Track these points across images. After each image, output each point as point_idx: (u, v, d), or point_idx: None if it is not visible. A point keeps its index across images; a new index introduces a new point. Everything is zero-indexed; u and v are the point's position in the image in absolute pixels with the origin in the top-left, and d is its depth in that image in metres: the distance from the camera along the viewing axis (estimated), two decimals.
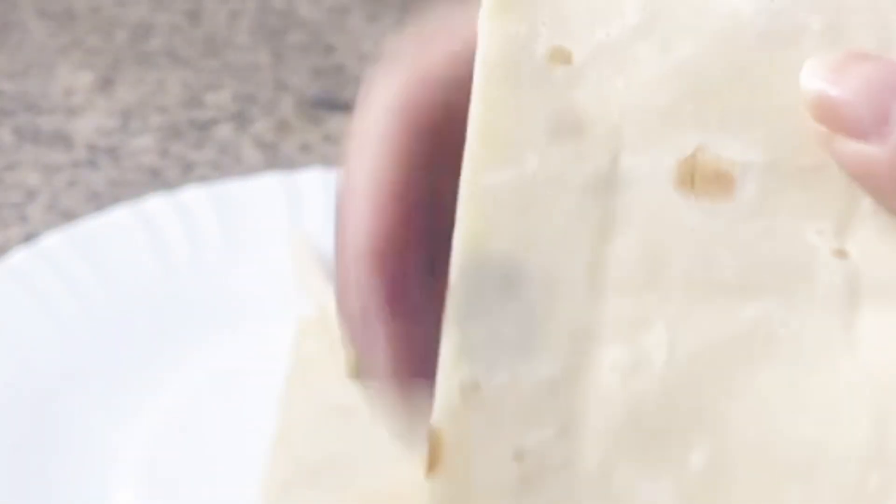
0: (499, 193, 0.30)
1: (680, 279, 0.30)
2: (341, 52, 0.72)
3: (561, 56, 0.30)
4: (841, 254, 0.30)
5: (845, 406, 0.29)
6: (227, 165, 0.64)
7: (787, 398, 0.29)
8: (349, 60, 0.71)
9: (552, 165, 0.30)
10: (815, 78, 0.29)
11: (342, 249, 0.33)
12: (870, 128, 0.28)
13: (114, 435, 0.50)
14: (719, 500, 0.29)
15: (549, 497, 0.30)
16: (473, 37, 0.30)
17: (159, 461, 0.49)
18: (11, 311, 0.53)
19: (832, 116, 0.29)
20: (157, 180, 0.63)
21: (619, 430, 0.30)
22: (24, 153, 0.64)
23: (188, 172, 0.63)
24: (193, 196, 0.59)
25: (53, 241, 0.56)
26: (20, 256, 0.55)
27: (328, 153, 0.65)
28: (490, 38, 0.30)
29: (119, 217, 0.58)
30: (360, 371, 0.33)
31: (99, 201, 0.61)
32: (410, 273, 0.33)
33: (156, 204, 0.58)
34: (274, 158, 0.64)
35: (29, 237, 0.58)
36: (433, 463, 0.30)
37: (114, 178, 0.63)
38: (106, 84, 0.70)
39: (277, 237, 0.58)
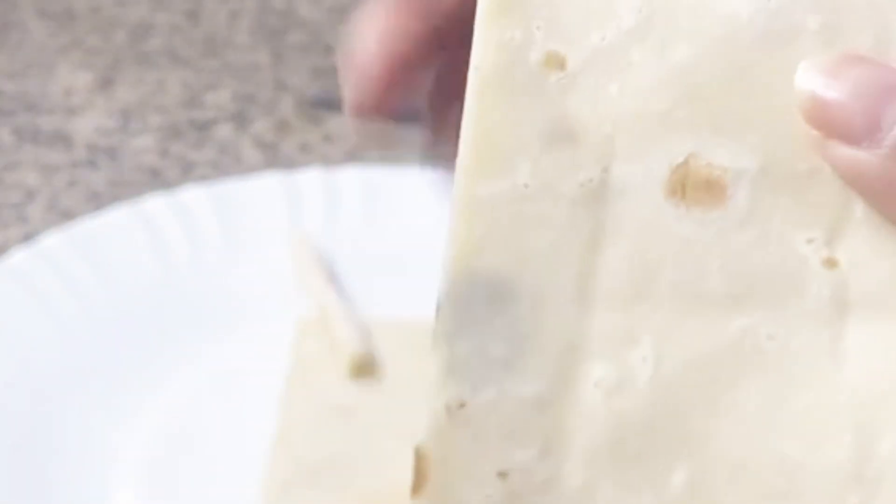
0: (491, 206, 0.30)
1: (668, 291, 0.29)
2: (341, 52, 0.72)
3: (555, 61, 0.30)
4: (831, 263, 0.29)
5: (828, 425, 0.29)
6: (226, 165, 0.64)
7: (770, 416, 0.29)
8: None
9: (545, 176, 0.30)
10: (809, 80, 0.29)
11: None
12: (862, 132, 0.28)
13: (114, 435, 0.50)
14: None
15: None
16: None
17: (159, 461, 0.49)
18: (11, 311, 0.53)
19: (824, 120, 0.29)
20: (156, 180, 0.63)
21: (601, 450, 0.29)
22: (23, 153, 0.64)
23: (188, 172, 0.63)
24: (193, 196, 0.59)
25: (53, 241, 0.56)
26: (20, 256, 0.55)
27: (328, 153, 0.65)
28: (485, 44, 0.30)
29: (119, 217, 0.58)
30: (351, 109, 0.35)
31: (99, 201, 0.61)
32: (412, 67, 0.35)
33: (155, 204, 0.58)
34: (274, 158, 0.64)
35: (28, 237, 0.58)
36: (419, 483, 0.30)
37: (113, 178, 0.63)
38: (106, 84, 0.70)
39: (277, 237, 0.58)
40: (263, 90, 0.69)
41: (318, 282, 0.55)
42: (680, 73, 0.30)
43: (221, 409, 0.51)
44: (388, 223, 0.59)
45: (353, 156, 0.64)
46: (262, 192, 0.59)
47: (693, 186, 0.29)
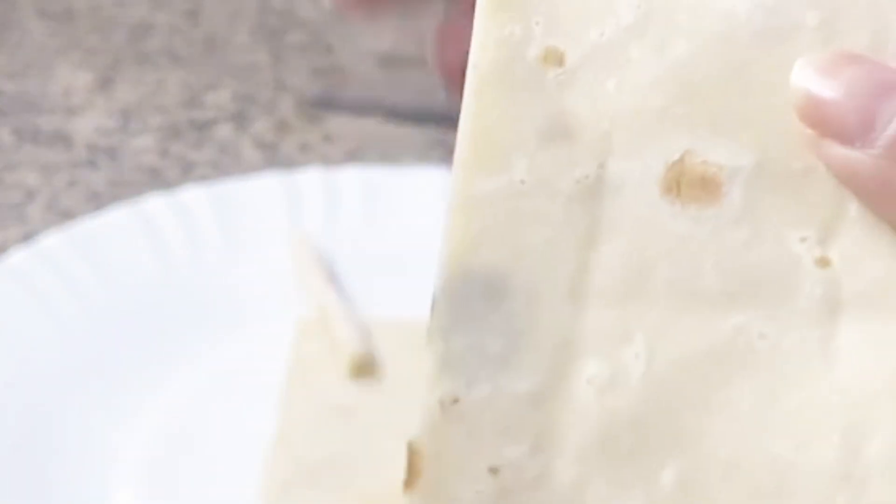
0: (487, 202, 0.30)
1: (662, 288, 0.29)
2: (341, 52, 0.72)
3: (554, 57, 0.30)
4: (823, 262, 0.29)
5: (819, 424, 0.29)
6: (226, 165, 0.64)
7: (762, 415, 0.29)
8: (349, 60, 0.71)
9: (541, 172, 0.30)
10: (804, 78, 0.29)
11: None
12: (856, 132, 0.28)
13: (114, 435, 0.50)
14: None
15: None
16: None
17: (159, 461, 0.49)
18: (11, 311, 0.53)
19: (819, 119, 0.28)
20: (156, 180, 0.63)
21: (593, 446, 0.29)
22: (23, 153, 0.64)
23: (188, 172, 0.63)
24: (193, 196, 0.59)
25: (53, 240, 0.56)
26: (19, 256, 0.55)
27: (328, 153, 0.65)
28: (484, 39, 0.30)
29: (118, 217, 0.58)
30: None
31: (98, 201, 0.61)
32: None
33: (155, 204, 0.58)
34: (273, 158, 0.64)
35: (28, 237, 0.58)
36: (412, 478, 0.30)
37: (113, 178, 0.63)
38: (105, 84, 0.70)
39: (277, 237, 0.58)
40: (263, 90, 0.69)
41: (318, 282, 0.55)
42: (678, 70, 0.30)
43: (221, 409, 0.51)
44: (388, 223, 0.59)
45: (353, 156, 0.64)
46: (261, 192, 0.59)
47: (688, 184, 0.29)
